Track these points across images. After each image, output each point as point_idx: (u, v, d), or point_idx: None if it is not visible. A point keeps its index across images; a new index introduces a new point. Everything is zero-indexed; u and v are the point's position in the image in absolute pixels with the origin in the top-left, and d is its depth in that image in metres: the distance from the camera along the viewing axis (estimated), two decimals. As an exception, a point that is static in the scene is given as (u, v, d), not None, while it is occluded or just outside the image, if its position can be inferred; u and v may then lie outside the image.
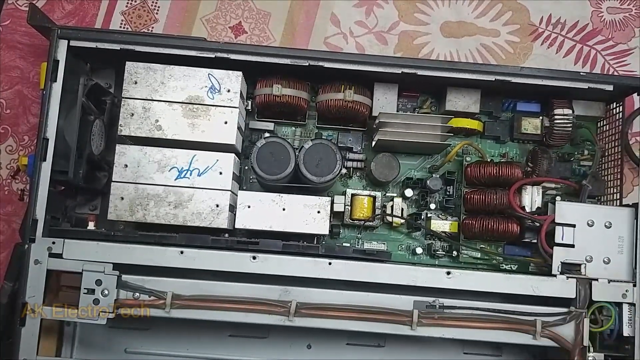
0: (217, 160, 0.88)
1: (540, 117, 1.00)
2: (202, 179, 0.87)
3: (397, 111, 0.99)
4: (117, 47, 0.89)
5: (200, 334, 0.98)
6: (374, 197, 0.98)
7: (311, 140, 0.91)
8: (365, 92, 0.96)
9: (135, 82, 0.88)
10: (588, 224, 0.88)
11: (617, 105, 0.97)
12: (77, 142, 0.88)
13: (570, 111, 0.97)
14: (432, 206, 1.00)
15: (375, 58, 0.92)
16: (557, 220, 0.88)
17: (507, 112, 1.03)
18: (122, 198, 0.87)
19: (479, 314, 0.85)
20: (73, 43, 0.89)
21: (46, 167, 0.86)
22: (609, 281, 0.87)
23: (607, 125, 1.00)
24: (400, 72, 0.91)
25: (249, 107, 0.99)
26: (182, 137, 0.87)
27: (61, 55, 0.88)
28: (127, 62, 0.88)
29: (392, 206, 0.98)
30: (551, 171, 0.97)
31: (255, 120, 1.01)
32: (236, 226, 0.88)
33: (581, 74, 0.92)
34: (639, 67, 1.08)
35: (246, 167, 1.00)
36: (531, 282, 0.86)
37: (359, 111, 0.96)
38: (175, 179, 0.87)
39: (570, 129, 0.97)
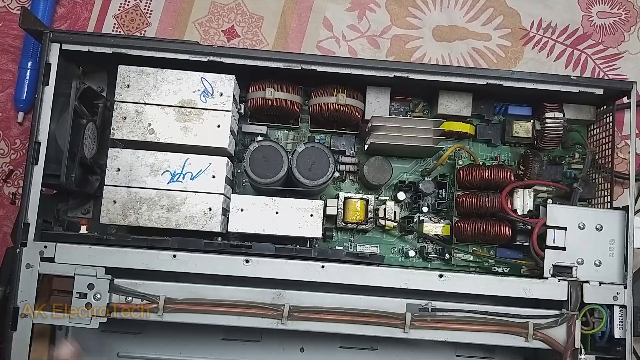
0: (210, 163, 0.88)
1: (532, 121, 1.00)
2: (194, 182, 0.87)
3: (390, 115, 0.99)
4: (109, 50, 0.89)
5: (193, 337, 0.98)
6: (367, 201, 0.98)
7: (304, 143, 0.91)
8: (358, 95, 0.97)
9: (128, 86, 0.88)
10: (579, 226, 0.89)
11: (608, 108, 0.98)
12: (69, 146, 0.88)
13: (561, 115, 0.98)
14: (425, 209, 1.00)
15: (368, 62, 0.92)
16: (548, 223, 0.89)
17: (498, 116, 1.03)
18: (115, 202, 0.86)
19: (472, 316, 0.85)
20: (65, 46, 0.89)
21: (38, 171, 0.86)
22: (600, 283, 0.87)
23: (598, 129, 1.00)
24: (392, 75, 0.91)
25: (242, 111, 0.99)
26: (174, 140, 0.87)
27: (53, 58, 0.88)
28: (119, 66, 0.88)
29: (384, 209, 0.98)
30: (542, 174, 0.98)
31: (248, 123, 1.01)
32: (229, 230, 0.88)
33: (572, 77, 0.93)
34: (629, 70, 1.09)
35: (239, 171, 1.00)
36: (523, 285, 0.87)
37: (351, 115, 0.96)
38: (168, 183, 0.87)
39: (561, 132, 0.98)
